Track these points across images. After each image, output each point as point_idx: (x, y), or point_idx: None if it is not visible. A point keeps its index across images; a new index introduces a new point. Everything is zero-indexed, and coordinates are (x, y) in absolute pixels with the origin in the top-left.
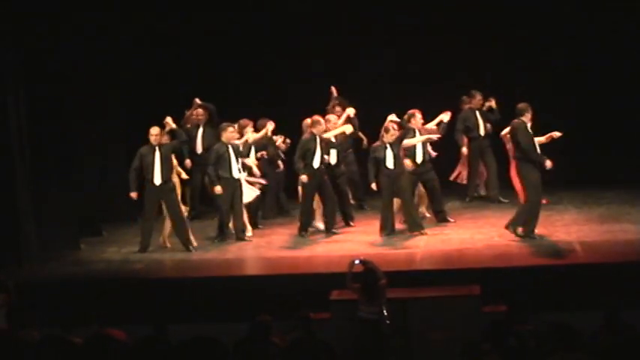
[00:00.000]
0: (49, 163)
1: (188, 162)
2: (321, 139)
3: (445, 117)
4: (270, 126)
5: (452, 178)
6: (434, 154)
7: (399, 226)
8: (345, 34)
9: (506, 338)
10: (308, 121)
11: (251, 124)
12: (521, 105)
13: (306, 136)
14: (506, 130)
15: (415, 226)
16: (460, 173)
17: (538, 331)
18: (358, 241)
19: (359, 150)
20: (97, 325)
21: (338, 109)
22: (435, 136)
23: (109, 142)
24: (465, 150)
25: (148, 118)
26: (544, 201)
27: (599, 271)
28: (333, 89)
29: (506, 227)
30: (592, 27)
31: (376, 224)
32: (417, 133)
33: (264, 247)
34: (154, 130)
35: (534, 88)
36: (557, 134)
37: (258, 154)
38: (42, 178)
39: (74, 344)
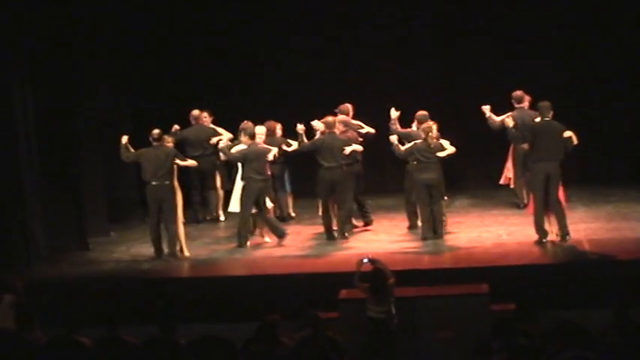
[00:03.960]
0: (57, 163)
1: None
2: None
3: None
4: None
5: (502, 181)
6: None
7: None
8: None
9: (514, 337)
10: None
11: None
12: (546, 103)
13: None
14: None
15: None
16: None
17: (547, 329)
18: (366, 240)
19: None
20: (108, 329)
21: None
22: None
23: (116, 142)
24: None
25: (156, 117)
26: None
27: (607, 269)
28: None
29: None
30: (601, 26)
31: (384, 223)
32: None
33: (273, 247)
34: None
35: (541, 86)
36: None
37: None
38: (50, 179)
39: (83, 345)
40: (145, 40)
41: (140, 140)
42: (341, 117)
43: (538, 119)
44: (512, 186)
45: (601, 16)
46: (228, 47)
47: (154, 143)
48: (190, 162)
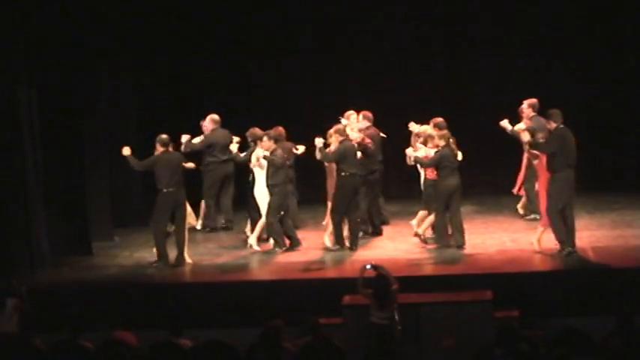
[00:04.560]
0: (61, 168)
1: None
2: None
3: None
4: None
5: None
6: None
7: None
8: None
9: (518, 343)
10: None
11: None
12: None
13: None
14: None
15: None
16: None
17: (550, 336)
18: (370, 246)
19: None
20: (107, 329)
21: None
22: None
23: (120, 147)
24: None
25: (160, 121)
26: None
27: (611, 276)
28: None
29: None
30: (606, 28)
31: (388, 229)
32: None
33: (277, 253)
34: None
35: (546, 91)
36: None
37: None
38: (54, 184)
39: (86, 349)
40: (152, 42)
41: (146, 144)
42: (360, 124)
43: (553, 126)
44: (518, 192)
45: (609, 21)
46: (231, 52)
47: (162, 148)
48: (190, 164)
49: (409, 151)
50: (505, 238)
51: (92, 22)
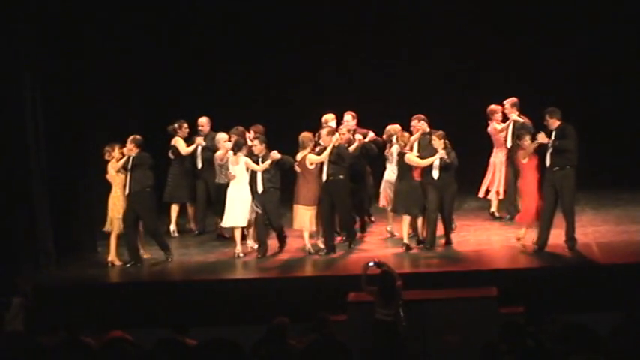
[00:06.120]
0: (66, 166)
1: None
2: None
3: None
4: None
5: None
6: None
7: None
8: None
9: (523, 339)
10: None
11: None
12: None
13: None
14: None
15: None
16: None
17: (555, 331)
18: (374, 242)
19: None
20: (102, 329)
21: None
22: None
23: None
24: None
25: (165, 119)
26: None
27: (616, 272)
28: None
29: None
30: (604, 26)
31: (393, 226)
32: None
33: (281, 251)
34: None
35: (549, 88)
36: None
37: None
38: (59, 181)
39: (90, 347)
40: (156, 45)
41: (151, 144)
42: (347, 125)
43: (557, 123)
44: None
45: (610, 17)
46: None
47: (137, 149)
48: None
49: (412, 156)
50: (510, 234)
51: (96, 25)
